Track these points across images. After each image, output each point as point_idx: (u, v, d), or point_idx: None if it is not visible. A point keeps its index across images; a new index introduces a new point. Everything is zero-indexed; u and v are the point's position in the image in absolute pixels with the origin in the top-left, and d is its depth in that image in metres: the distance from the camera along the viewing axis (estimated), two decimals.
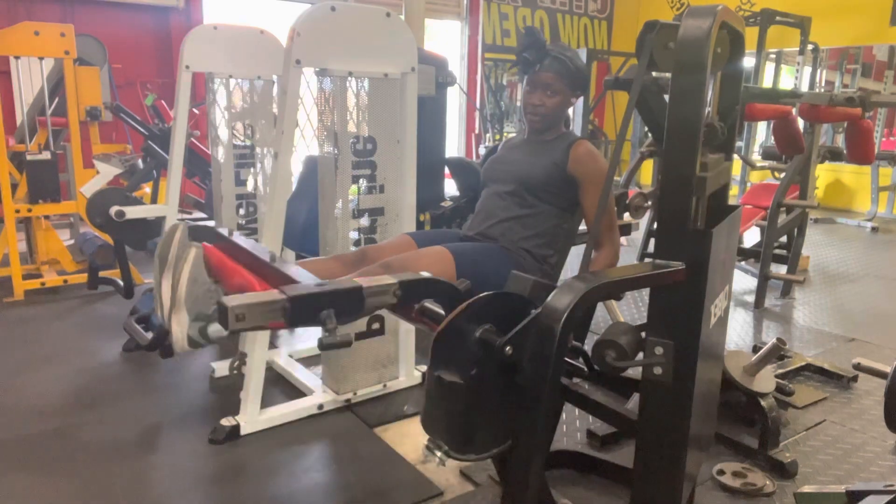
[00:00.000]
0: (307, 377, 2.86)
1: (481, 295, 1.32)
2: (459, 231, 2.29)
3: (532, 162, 2.18)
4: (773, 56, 8.11)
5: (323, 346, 1.21)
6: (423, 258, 1.87)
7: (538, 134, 2.24)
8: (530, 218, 2.14)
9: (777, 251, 4.52)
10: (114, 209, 3.20)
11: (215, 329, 1.47)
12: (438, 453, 1.29)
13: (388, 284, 1.31)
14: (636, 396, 2.20)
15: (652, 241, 4.51)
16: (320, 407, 2.64)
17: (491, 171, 2.29)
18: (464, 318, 1.29)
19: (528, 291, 1.41)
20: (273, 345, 3.18)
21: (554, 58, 2.11)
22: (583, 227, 2.35)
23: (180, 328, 1.46)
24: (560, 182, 2.13)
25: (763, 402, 2.38)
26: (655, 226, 1.45)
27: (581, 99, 2.31)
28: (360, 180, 2.56)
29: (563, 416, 2.62)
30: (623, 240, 3.36)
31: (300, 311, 1.19)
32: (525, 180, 2.15)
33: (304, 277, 1.34)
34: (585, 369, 1.80)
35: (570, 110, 2.30)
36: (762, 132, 8.20)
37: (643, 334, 1.41)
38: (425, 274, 1.40)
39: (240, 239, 1.64)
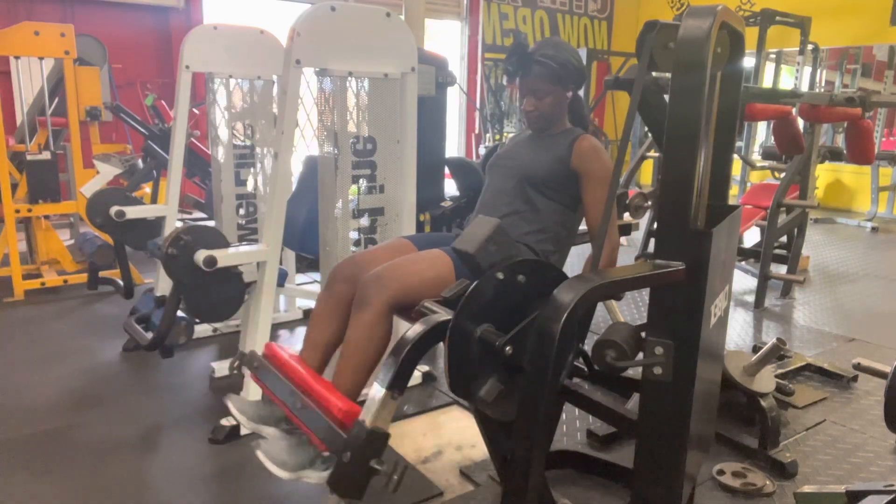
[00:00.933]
0: None
1: (450, 329, 1.42)
2: (460, 231, 2.29)
3: (536, 157, 2.17)
4: (773, 56, 8.11)
5: (394, 491, 1.46)
6: (419, 262, 1.86)
7: (543, 132, 2.24)
8: (533, 213, 2.14)
9: (777, 251, 4.52)
10: (114, 209, 3.20)
11: (321, 463, 1.64)
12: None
13: (382, 400, 1.48)
14: (636, 396, 2.19)
15: (652, 241, 4.51)
16: None
17: (495, 166, 2.29)
18: (457, 358, 1.42)
19: (476, 249, 1.52)
20: None
21: (536, 62, 2.12)
22: (582, 226, 2.34)
23: (314, 479, 1.64)
24: (563, 177, 2.13)
25: (763, 402, 2.38)
26: (655, 226, 1.45)
27: (581, 92, 2.31)
28: (360, 180, 2.56)
29: (563, 416, 2.62)
30: (623, 240, 3.36)
31: (356, 487, 1.49)
32: (528, 175, 2.15)
33: (331, 406, 1.56)
34: (585, 369, 1.80)
35: None
36: (762, 132, 8.20)
37: (643, 334, 1.41)
38: (398, 353, 1.52)
39: (269, 363, 1.81)
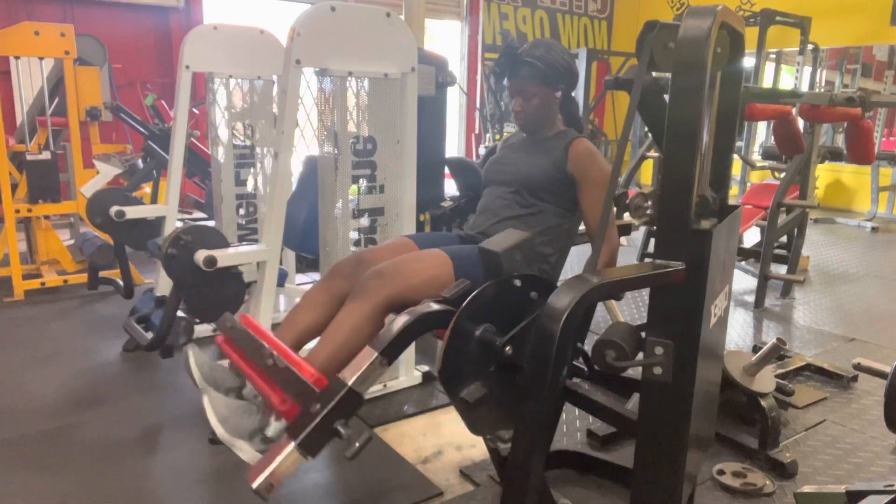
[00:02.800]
0: None
1: (459, 316, 1.40)
2: (460, 232, 2.29)
3: (531, 162, 2.18)
4: (773, 56, 8.11)
5: (351, 458, 1.37)
6: (419, 261, 1.86)
7: (533, 133, 2.24)
8: (531, 217, 2.14)
9: (777, 251, 4.52)
10: (114, 209, 3.20)
11: (274, 429, 1.52)
12: (501, 444, 1.46)
13: (372, 363, 1.42)
14: (636, 396, 2.19)
15: (652, 241, 4.51)
16: None
17: (492, 172, 2.29)
18: (459, 340, 1.40)
19: (502, 258, 1.51)
20: None
21: (523, 62, 2.12)
22: (582, 227, 2.35)
23: (246, 453, 1.53)
24: (560, 181, 2.13)
25: (763, 402, 2.38)
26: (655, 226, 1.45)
27: (581, 99, 2.32)
28: (360, 180, 2.56)
29: (563, 416, 2.62)
30: (623, 240, 3.35)
31: (316, 443, 1.38)
32: (525, 180, 2.15)
33: (303, 369, 1.44)
34: (585, 369, 1.80)
35: None
36: (762, 132, 8.20)
37: (643, 334, 1.41)
38: (398, 323, 1.47)
39: (241, 329, 1.69)
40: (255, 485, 1.32)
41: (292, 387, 1.43)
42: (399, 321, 1.47)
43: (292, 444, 1.34)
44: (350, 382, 1.39)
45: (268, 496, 1.34)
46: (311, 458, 1.37)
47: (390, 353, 1.45)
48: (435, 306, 1.49)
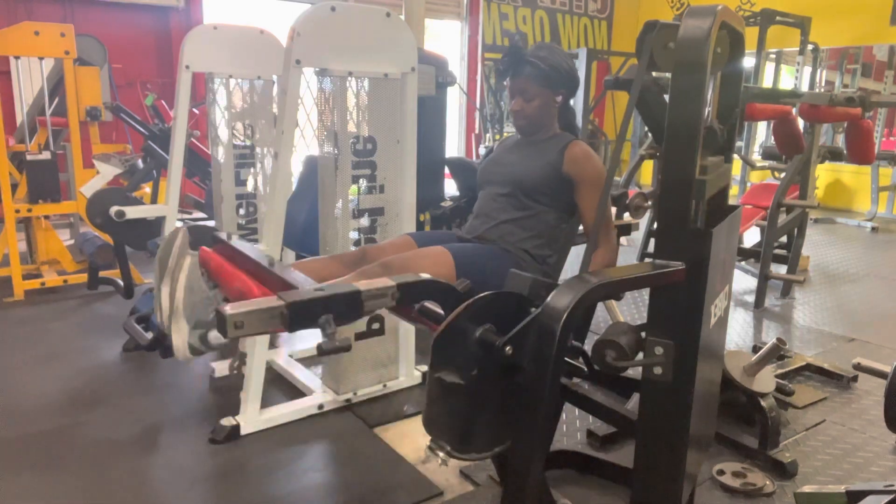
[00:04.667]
0: (307, 377, 2.87)
1: (481, 295, 1.32)
2: (459, 232, 2.29)
3: (527, 164, 2.17)
4: (773, 56, 8.11)
5: (322, 351, 1.22)
6: (423, 258, 1.86)
7: (530, 135, 2.24)
8: (528, 219, 2.14)
9: (777, 251, 4.52)
10: (114, 209, 3.20)
11: (215, 336, 1.47)
12: (441, 454, 1.30)
13: (387, 287, 1.32)
14: (636, 396, 2.20)
15: (652, 241, 4.51)
16: (320, 407, 2.64)
17: (487, 173, 2.28)
18: (464, 319, 1.30)
19: (528, 290, 1.41)
20: (273, 345, 3.18)
21: (528, 62, 2.12)
22: (581, 227, 2.35)
23: (180, 336, 1.46)
24: (556, 183, 2.13)
25: (763, 402, 2.38)
26: (655, 226, 1.45)
27: (581, 98, 2.32)
28: (360, 180, 2.56)
29: (563, 416, 2.62)
30: (623, 240, 3.36)
31: (299, 316, 1.21)
32: (521, 182, 2.15)
33: (303, 282, 1.35)
34: (585, 369, 1.80)
35: None
36: (762, 132, 8.20)
37: (643, 334, 1.41)
38: (424, 275, 1.40)
39: (239, 243, 1.65)
40: (228, 311, 1.15)
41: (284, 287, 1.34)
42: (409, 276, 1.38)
43: (282, 301, 1.20)
44: (361, 288, 1.28)
45: (231, 333, 1.17)
46: (285, 329, 1.22)
47: (404, 292, 1.34)
48: (433, 312, 1.45)
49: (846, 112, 3.55)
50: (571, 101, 2.31)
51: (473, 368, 1.31)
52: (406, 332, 2.87)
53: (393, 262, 1.80)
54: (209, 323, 1.49)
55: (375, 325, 1.37)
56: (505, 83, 2.24)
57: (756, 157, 7.09)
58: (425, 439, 1.33)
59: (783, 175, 4.38)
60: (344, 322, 1.26)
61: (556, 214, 2.16)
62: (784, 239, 4.72)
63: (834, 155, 4.41)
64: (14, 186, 4.25)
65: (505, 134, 8.88)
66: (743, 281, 4.66)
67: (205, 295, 1.52)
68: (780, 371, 2.96)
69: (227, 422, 2.45)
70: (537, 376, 1.29)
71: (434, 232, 2.69)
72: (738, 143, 6.48)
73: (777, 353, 2.42)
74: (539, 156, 2.16)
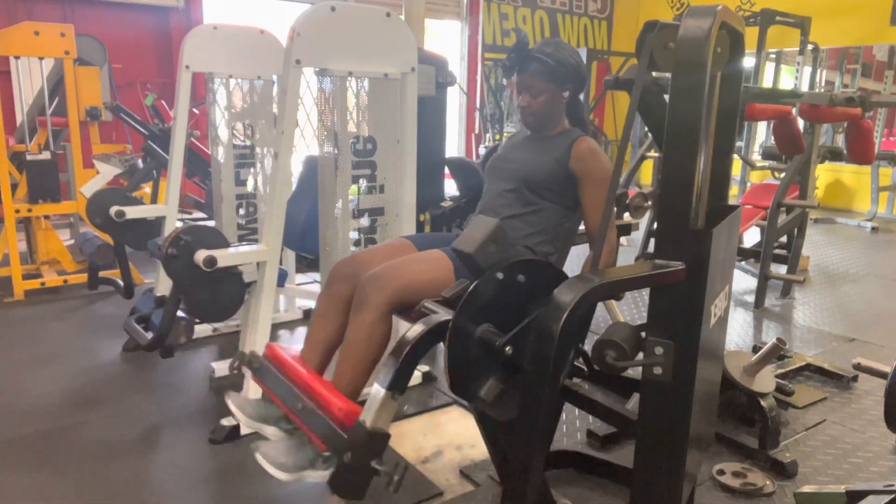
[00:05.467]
0: None
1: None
2: (461, 231, 2.29)
3: (534, 160, 2.17)
4: (773, 56, 8.11)
5: (395, 491, 1.48)
6: (420, 262, 1.86)
7: (538, 131, 2.24)
8: (532, 215, 2.14)
9: (777, 251, 4.52)
10: (114, 209, 3.20)
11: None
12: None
13: (382, 401, 1.49)
14: (636, 396, 2.19)
15: (652, 241, 4.50)
16: None
17: (493, 169, 2.28)
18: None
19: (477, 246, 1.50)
20: None
21: (533, 58, 2.12)
22: (581, 227, 2.34)
23: (316, 478, 1.64)
24: (562, 179, 2.13)
25: (763, 402, 2.38)
26: (655, 226, 1.45)
27: (581, 99, 2.32)
28: (360, 180, 2.56)
29: (563, 416, 2.62)
30: (623, 240, 3.35)
31: (357, 487, 1.53)
32: (527, 178, 2.15)
33: (331, 404, 1.56)
34: (585, 369, 1.80)
35: None
36: (762, 132, 8.20)
37: (643, 334, 1.41)
38: (397, 351, 1.52)
39: (269, 361, 1.83)
40: None
41: (324, 432, 1.55)
42: (399, 351, 1.50)
43: (338, 499, 1.47)
44: (369, 426, 1.47)
45: None
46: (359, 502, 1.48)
47: (399, 386, 1.50)
48: (419, 328, 1.53)
49: (846, 112, 3.54)
50: (581, 96, 2.31)
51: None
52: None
53: (381, 273, 1.80)
54: (312, 457, 1.65)
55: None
56: (511, 80, 2.24)
57: (756, 157, 7.08)
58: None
59: (783, 175, 4.38)
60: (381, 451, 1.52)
61: (560, 211, 2.16)
62: (784, 239, 4.72)
63: (834, 155, 4.42)
64: (14, 186, 4.25)
65: (505, 134, 8.88)
66: (743, 281, 4.66)
67: (289, 448, 1.69)
68: (780, 371, 2.96)
69: (227, 422, 2.45)
70: (537, 376, 1.29)
71: (431, 234, 2.69)
72: (738, 143, 6.48)
73: (777, 353, 2.42)
74: (547, 152, 2.16)
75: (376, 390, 1.49)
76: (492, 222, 1.57)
